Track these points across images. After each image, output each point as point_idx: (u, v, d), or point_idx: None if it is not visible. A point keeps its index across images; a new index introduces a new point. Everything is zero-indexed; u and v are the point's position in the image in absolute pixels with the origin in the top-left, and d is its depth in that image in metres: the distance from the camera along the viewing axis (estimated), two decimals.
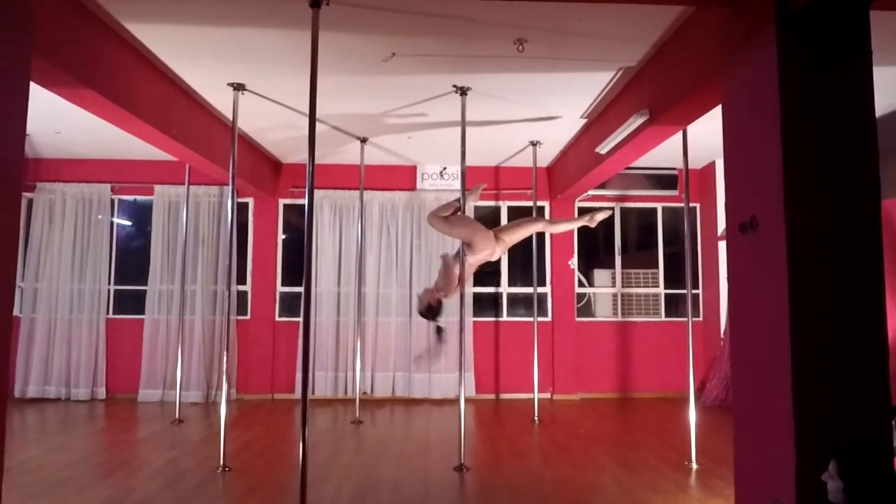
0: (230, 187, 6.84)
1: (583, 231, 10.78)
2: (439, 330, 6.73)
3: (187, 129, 6.99)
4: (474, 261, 6.57)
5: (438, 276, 6.75)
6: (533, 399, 9.00)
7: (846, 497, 2.76)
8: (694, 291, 10.54)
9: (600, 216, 6.82)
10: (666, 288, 10.85)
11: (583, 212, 10.70)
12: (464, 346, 6.80)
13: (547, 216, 10.51)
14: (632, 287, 10.89)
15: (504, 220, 10.58)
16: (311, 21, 4.76)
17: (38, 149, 9.72)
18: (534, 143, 8.92)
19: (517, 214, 10.45)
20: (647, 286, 10.88)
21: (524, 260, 10.03)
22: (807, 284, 3.36)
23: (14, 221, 3.97)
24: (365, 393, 10.00)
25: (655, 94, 5.85)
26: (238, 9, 4.89)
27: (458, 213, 6.74)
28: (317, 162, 5.04)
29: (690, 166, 8.65)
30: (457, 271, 6.53)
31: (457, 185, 8.67)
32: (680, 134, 6.56)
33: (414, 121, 7.90)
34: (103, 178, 10.35)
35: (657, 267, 10.90)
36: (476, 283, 10.32)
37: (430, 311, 6.55)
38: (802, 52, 3.45)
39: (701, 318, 10.56)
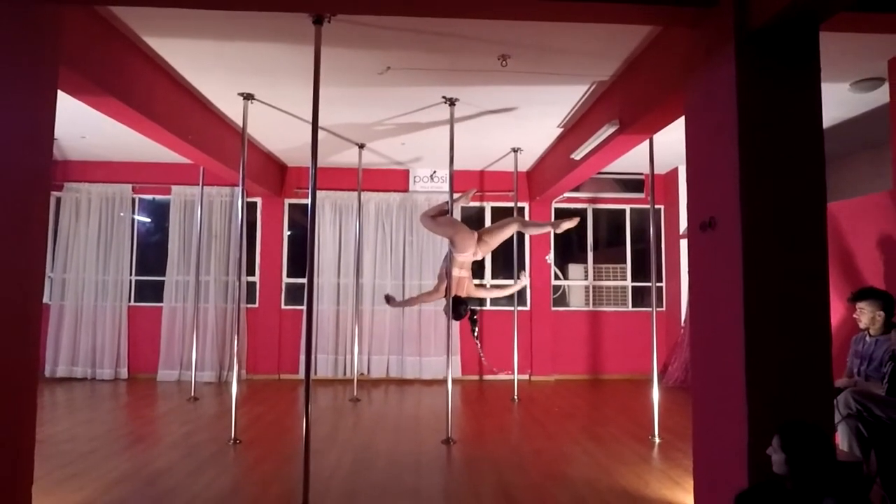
0: (240, 188, 6.82)
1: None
2: (472, 313, 7.02)
3: (201, 135, 6.95)
4: (462, 258, 6.57)
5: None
6: (513, 380, 9.03)
7: (788, 468, 2.76)
8: (658, 284, 10.57)
9: (566, 225, 6.70)
10: (633, 281, 10.86)
11: (559, 213, 10.79)
12: (451, 333, 6.80)
13: (527, 217, 10.53)
14: (602, 280, 10.90)
15: (488, 219, 10.62)
16: (314, 37, 4.74)
17: (66, 152, 9.64)
18: (515, 150, 8.92)
19: (500, 214, 10.48)
20: (616, 279, 10.89)
21: (506, 255, 10.01)
22: (759, 278, 3.37)
23: (44, 217, 3.95)
24: (362, 374, 9.99)
25: (625, 105, 5.84)
26: (248, 25, 4.86)
27: (446, 214, 6.74)
28: (319, 165, 5.02)
29: (656, 171, 8.66)
30: (451, 270, 6.56)
31: (445, 187, 8.66)
32: (647, 142, 6.55)
33: (407, 127, 7.88)
34: (125, 179, 10.28)
35: (625, 262, 10.91)
36: None
37: (455, 310, 6.60)
38: (758, 69, 3.45)
39: (664, 308, 10.59)
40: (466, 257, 6.57)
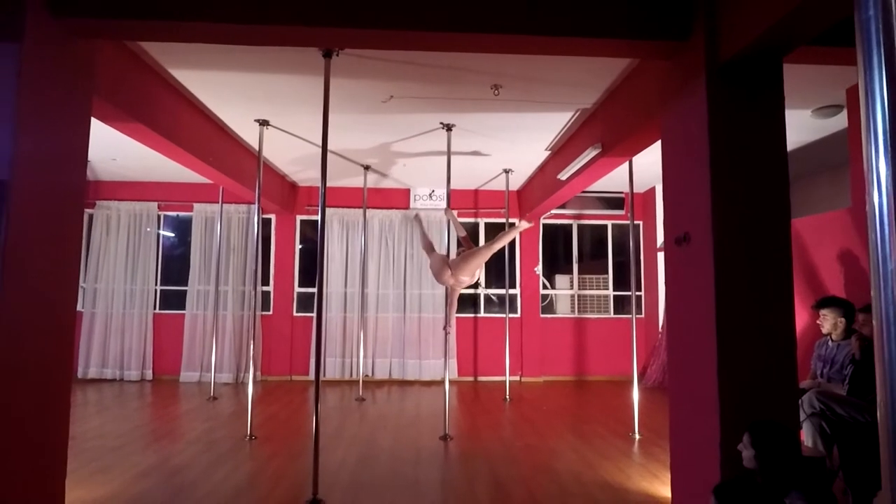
0: (256, 205, 6.81)
1: (546, 242, 10.84)
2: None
3: (221, 158, 6.95)
4: (452, 288, 6.50)
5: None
6: (505, 381, 9.01)
7: (757, 463, 2.76)
8: (637, 293, 10.58)
9: (524, 224, 6.40)
10: (614, 290, 10.85)
11: (546, 228, 10.81)
12: (448, 338, 6.78)
13: (517, 239, 10.52)
14: (586, 289, 10.89)
15: (482, 233, 10.63)
16: (323, 69, 4.75)
17: (98, 173, 9.65)
18: (506, 171, 8.92)
19: (493, 230, 10.54)
20: (599, 289, 10.88)
21: (498, 266, 10.03)
22: (730, 288, 3.36)
23: (78, 232, 3.95)
24: (367, 375, 10.00)
25: (607, 130, 5.86)
26: (264, 58, 4.87)
27: (431, 247, 6.65)
28: (328, 185, 5.02)
29: (635, 190, 8.71)
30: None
31: (443, 204, 8.65)
32: (627, 164, 6.57)
33: (408, 151, 7.88)
34: (151, 197, 10.29)
35: (607, 273, 10.90)
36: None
37: None
38: (727, 97, 3.46)
39: (643, 315, 10.57)
40: (455, 286, 6.44)
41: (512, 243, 10.29)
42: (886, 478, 1.22)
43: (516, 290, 10.63)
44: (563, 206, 10.26)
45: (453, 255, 6.74)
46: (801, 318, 4.99)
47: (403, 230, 10.50)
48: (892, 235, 1.20)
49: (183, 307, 10.21)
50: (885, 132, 1.21)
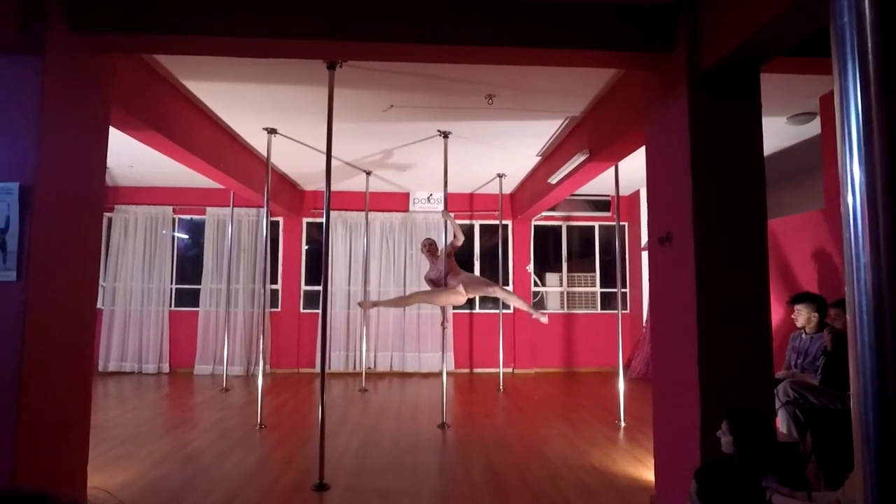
0: (265, 209, 6.79)
1: (537, 243, 10.84)
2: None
3: (232, 164, 6.94)
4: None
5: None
6: (499, 373, 9.02)
7: (735, 448, 2.76)
8: (623, 290, 10.57)
9: (541, 318, 6.56)
10: (601, 287, 10.85)
11: (538, 229, 10.80)
12: (446, 332, 6.77)
13: (510, 239, 10.55)
14: (575, 286, 10.89)
15: (477, 234, 10.64)
16: (328, 80, 4.74)
17: (116, 179, 9.62)
18: (500, 175, 8.92)
19: (486, 231, 10.56)
20: (587, 286, 10.88)
21: (492, 265, 10.02)
22: (710, 284, 3.36)
23: (97, 235, 3.94)
24: (369, 368, 9.98)
25: (594, 137, 5.85)
26: (271, 70, 4.86)
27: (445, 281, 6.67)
28: (332, 189, 5.01)
29: (621, 193, 8.70)
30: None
31: (441, 207, 8.62)
32: (613, 168, 6.56)
33: (407, 156, 7.88)
34: (166, 202, 10.27)
35: (595, 271, 10.90)
36: None
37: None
38: (707, 105, 3.45)
39: (628, 311, 10.57)
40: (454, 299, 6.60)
41: (504, 243, 10.30)
42: (858, 460, 1.22)
43: (509, 288, 10.61)
44: (553, 209, 10.25)
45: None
46: (777, 313, 5.00)
47: (403, 231, 10.48)
48: (865, 233, 1.19)
49: (197, 304, 10.18)
50: (858, 135, 1.20)
